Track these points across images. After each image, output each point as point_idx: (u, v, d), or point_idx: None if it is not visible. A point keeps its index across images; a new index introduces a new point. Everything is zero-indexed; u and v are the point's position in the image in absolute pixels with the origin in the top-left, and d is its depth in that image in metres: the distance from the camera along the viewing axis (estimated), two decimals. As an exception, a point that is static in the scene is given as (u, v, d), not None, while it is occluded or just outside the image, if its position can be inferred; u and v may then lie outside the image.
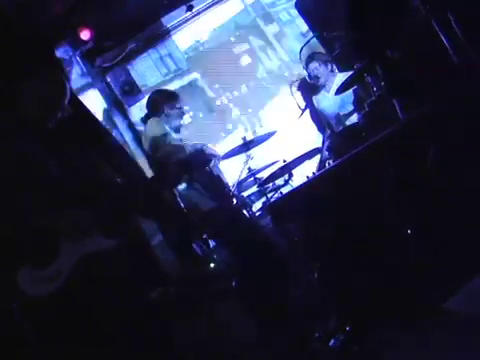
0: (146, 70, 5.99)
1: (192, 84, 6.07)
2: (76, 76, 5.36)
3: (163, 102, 4.29)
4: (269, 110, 5.98)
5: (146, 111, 4.48)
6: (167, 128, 4.13)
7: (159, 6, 5.53)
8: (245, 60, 6.14)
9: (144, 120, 4.36)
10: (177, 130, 4.34)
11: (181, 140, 4.18)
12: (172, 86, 5.96)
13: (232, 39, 6.14)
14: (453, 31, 2.81)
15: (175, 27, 5.89)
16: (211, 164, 4.03)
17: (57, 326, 2.22)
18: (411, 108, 3.13)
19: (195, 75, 6.09)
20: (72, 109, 2.45)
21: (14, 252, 2.15)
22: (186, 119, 4.46)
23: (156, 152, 4.02)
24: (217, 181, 4.15)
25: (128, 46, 5.72)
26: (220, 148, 5.65)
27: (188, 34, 6.03)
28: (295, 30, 5.95)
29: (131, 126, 5.80)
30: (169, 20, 5.82)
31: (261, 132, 5.13)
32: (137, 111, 5.90)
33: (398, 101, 3.34)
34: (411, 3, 2.99)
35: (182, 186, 3.96)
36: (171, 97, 4.37)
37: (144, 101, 5.87)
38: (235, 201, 4.45)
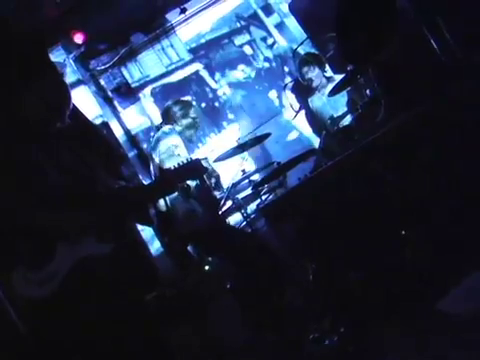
0: (148, 61, 6.01)
1: (194, 75, 6.10)
2: (69, 79, 5.36)
3: (177, 110, 4.31)
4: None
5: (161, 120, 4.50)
6: (179, 137, 4.11)
7: (152, 10, 5.55)
8: (246, 51, 6.19)
9: (158, 127, 4.39)
10: (190, 140, 4.36)
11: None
12: (174, 77, 6.00)
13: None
14: (441, 33, 2.84)
15: (179, 23, 5.95)
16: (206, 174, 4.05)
17: (53, 328, 2.21)
18: (403, 109, 3.15)
19: (197, 66, 6.13)
20: (71, 120, 2.45)
21: (10, 252, 2.15)
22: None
23: (156, 147, 4.03)
24: (208, 192, 4.17)
25: (121, 49, 5.74)
26: (222, 138, 5.69)
27: (189, 25, 6.06)
28: (296, 21, 5.99)
29: (125, 129, 5.80)
30: (173, 16, 5.87)
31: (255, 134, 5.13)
32: (131, 113, 5.91)
33: (390, 103, 3.36)
34: (397, 14, 3.02)
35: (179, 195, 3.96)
36: (185, 106, 4.38)
37: (138, 103, 5.96)
38: (227, 206, 4.47)
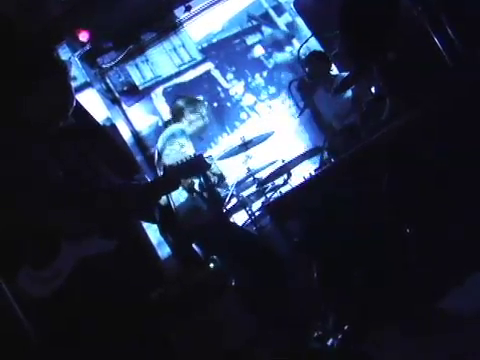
0: (160, 62, 6.05)
1: (206, 74, 6.13)
2: (77, 81, 5.40)
3: (186, 107, 4.29)
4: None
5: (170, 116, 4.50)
6: (186, 137, 4.10)
7: (157, 7, 5.56)
8: (258, 50, 6.19)
9: (165, 124, 4.39)
10: (199, 138, 4.35)
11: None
12: (186, 77, 6.07)
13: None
14: (446, 31, 2.83)
15: (187, 19, 5.97)
16: (209, 171, 4.05)
17: (57, 326, 2.23)
18: (407, 108, 3.14)
19: (209, 65, 6.14)
20: (77, 119, 2.46)
21: (14, 252, 2.16)
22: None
23: (164, 149, 4.04)
24: (212, 189, 4.18)
25: (127, 47, 5.76)
26: (235, 138, 5.67)
27: (201, 25, 6.10)
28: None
29: (130, 127, 5.82)
30: (180, 12, 5.90)
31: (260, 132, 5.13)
32: (138, 113, 5.92)
33: (395, 101, 3.35)
34: (399, 13, 3.01)
35: (183, 191, 3.98)
36: (193, 102, 4.37)
37: (144, 101, 5.97)
38: (231, 204, 4.49)
